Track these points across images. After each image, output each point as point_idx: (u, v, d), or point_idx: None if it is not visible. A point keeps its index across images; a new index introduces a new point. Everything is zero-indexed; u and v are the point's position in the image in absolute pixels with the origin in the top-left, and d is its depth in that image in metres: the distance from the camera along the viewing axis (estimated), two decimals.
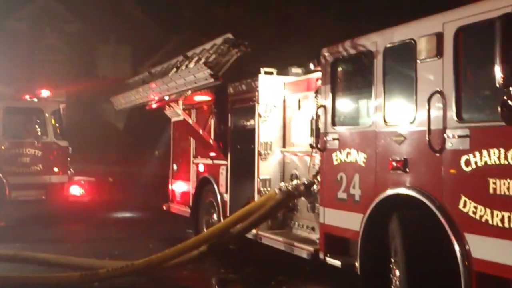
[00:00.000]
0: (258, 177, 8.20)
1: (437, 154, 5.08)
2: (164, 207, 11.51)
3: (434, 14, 5.29)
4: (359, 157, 6.10)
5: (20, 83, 27.64)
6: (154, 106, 9.92)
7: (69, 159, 14.42)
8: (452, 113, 4.98)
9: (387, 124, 5.73)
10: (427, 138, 5.16)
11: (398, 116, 5.65)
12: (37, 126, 13.87)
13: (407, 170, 5.44)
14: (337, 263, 6.32)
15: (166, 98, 9.28)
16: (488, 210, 4.59)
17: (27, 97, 14.55)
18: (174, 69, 8.89)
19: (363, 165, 6.04)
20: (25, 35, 29.64)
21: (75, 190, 14.21)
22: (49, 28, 29.56)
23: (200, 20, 20.52)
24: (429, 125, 5.15)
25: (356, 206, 6.09)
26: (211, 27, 18.71)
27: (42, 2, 29.62)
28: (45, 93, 14.46)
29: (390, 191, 5.63)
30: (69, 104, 27.20)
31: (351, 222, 6.10)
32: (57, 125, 14.40)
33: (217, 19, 18.76)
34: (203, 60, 7.71)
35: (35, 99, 14.36)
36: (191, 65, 8.18)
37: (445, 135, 5.01)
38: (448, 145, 4.99)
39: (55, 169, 14.01)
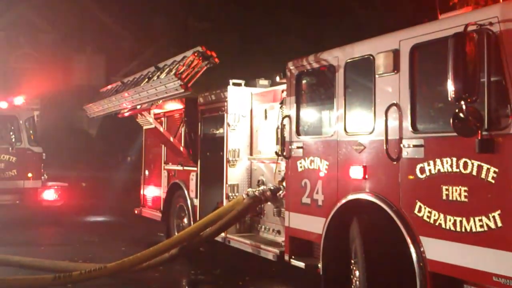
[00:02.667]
0: (226, 183, 8.20)
1: (394, 162, 5.16)
2: (136, 211, 11.40)
3: (391, 32, 5.39)
4: (322, 165, 6.15)
5: None
6: (126, 114, 9.80)
7: (43, 164, 14.12)
8: (407, 124, 5.07)
9: (348, 134, 5.80)
10: (384, 147, 5.23)
11: (358, 126, 5.71)
12: (11, 132, 13.54)
13: (367, 177, 5.51)
14: (301, 264, 6.35)
15: (138, 107, 9.18)
16: (442, 215, 4.68)
17: (1, 104, 14.19)
18: (146, 80, 8.81)
19: (326, 172, 6.09)
20: (0, 43, 28.97)
21: (49, 195, 13.90)
22: (23, 37, 28.94)
23: (173, 31, 20.43)
24: (387, 135, 5.23)
25: (319, 211, 6.13)
26: (183, 38, 18.66)
27: (17, 12, 28.98)
28: (19, 100, 14.13)
29: (350, 197, 5.69)
30: (43, 111, 26.76)
31: (315, 225, 6.14)
32: (31, 131, 14.10)
33: (190, 31, 18.71)
34: (173, 71, 7.66)
35: (9, 107, 14.01)
36: (162, 76, 8.12)
37: (401, 145, 5.10)
38: (404, 154, 5.08)
39: (29, 175, 13.70)
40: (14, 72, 29.26)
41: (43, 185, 13.89)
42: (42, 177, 14.01)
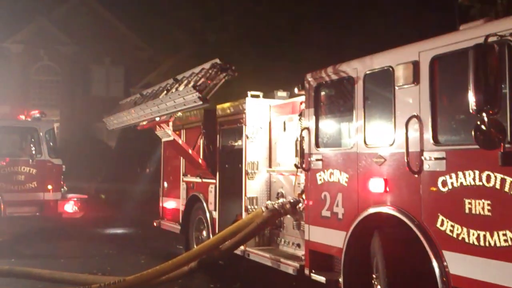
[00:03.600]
0: (245, 195, 8.22)
1: (416, 175, 5.14)
2: (155, 224, 11.45)
3: (411, 44, 5.39)
4: (342, 177, 6.14)
5: (15, 103, 27.56)
6: (145, 126, 9.91)
7: (62, 176, 14.32)
8: (428, 136, 5.05)
9: (368, 146, 5.79)
10: (405, 160, 5.22)
11: (378, 138, 5.71)
12: (31, 145, 13.76)
13: (387, 190, 5.49)
14: (321, 279, 6.32)
15: (157, 119, 9.29)
16: (465, 229, 4.64)
17: (22, 116, 14.48)
18: (165, 92, 8.91)
19: (346, 184, 6.08)
20: (21, 56, 29.57)
21: (68, 207, 14.08)
22: (43, 50, 29.49)
23: (192, 43, 20.62)
24: (407, 148, 5.21)
25: (339, 224, 6.12)
26: (202, 50, 18.81)
27: (38, 25, 29.57)
28: (39, 113, 14.40)
29: (371, 210, 5.67)
30: (63, 123, 27.20)
31: (335, 239, 6.12)
32: (51, 143, 14.32)
33: (208, 43, 18.87)
34: (192, 83, 7.74)
35: (30, 119, 14.29)
36: (181, 88, 8.20)
37: (422, 157, 5.08)
38: (426, 166, 5.06)
39: (49, 187, 13.90)
40: (34, 84, 29.84)
41: (63, 197, 14.08)
42: (62, 189, 14.21)
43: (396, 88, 5.41)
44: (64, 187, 14.33)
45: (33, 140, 13.77)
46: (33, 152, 13.62)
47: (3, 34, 29.17)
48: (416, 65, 5.20)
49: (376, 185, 5.62)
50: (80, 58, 29.79)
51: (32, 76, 29.92)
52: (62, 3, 30.72)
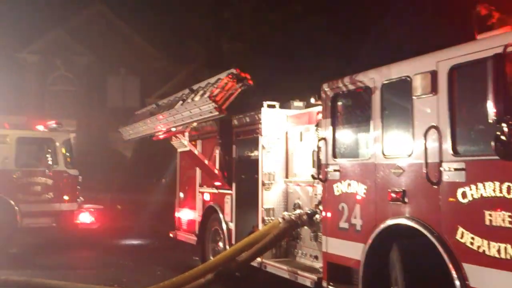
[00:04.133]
0: (262, 206, 8.24)
1: (435, 186, 5.12)
2: (171, 235, 11.50)
3: (428, 53, 5.39)
4: (360, 188, 6.14)
5: (32, 113, 27.92)
6: (161, 137, 9.99)
7: (79, 187, 14.42)
8: (447, 147, 5.04)
9: (386, 157, 5.79)
10: (424, 171, 5.21)
11: (396, 149, 5.70)
12: (48, 155, 13.86)
13: (406, 201, 5.48)
14: None
15: (173, 129, 9.36)
16: (485, 241, 4.61)
17: (38, 127, 14.67)
18: (181, 102, 8.98)
19: (364, 196, 6.07)
20: (37, 66, 29.99)
21: (85, 218, 14.17)
22: (60, 60, 29.88)
23: (207, 52, 20.78)
24: (426, 158, 5.21)
25: (357, 236, 6.11)
26: (217, 60, 18.94)
27: (54, 35, 29.99)
28: (56, 123, 14.56)
29: (390, 221, 5.65)
30: (79, 133, 27.49)
31: (353, 251, 6.11)
32: (68, 154, 14.43)
33: (223, 52, 19.00)
34: (208, 93, 7.80)
35: (46, 129, 14.46)
36: (197, 98, 8.27)
37: (441, 168, 5.07)
38: (445, 177, 5.04)
39: (65, 197, 14.01)
40: (50, 94, 30.22)
41: (79, 208, 14.16)
42: (78, 200, 14.29)
43: (414, 98, 5.41)
44: (80, 197, 14.44)
45: (49, 150, 13.88)
46: (50, 162, 13.73)
47: (20, 44, 29.65)
48: (434, 74, 5.20)
49: (394, 196, 5.60)
50: (96, 69, 30.13)
51: (49, 86, 30.31)
52: (78, 14, 31.14)
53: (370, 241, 5.85)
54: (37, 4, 28.85)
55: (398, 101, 5.75)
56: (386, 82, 5.85)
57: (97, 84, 30.28)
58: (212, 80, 8.22)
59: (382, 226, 5.72)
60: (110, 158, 24.79)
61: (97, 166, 21.58)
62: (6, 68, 29.04)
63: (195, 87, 8.86)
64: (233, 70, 7.64)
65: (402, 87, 5.58)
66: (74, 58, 29.91)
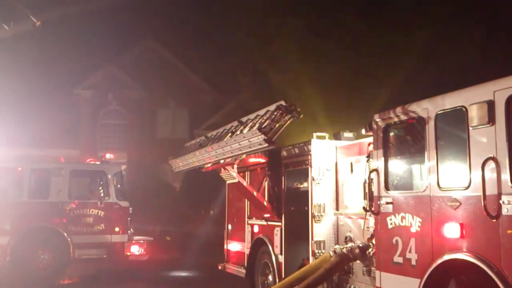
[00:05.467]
0: (312, 239, 8.13)
1: (493, 220, 4.95)
2: (220, 267, 11.46)
3: (484, 83, 5.27)
4: (414, 222, 5.98)
5: (85, 146, 28.81)
6: (210, 168, 10.07)
7: (129, 218, 14.65)
8: (506, 179, 4.87)
9: (442, 189, 5.64)
10: (482, 204, 5.04)
11: (453, 181, 5.55)
12: (100, 187, 14.18)
13: (464, 235, 5.30)
14: None
15: (222, 161, 9.43)
16: None
17: (90, 160, 15.08)
18: (230, 134, 9.06)
19: (419, 229, 5.91)
20: (90, 101, 31.03)
21: (135, 249, 14.32)
22: (112, 94, 30.84)
23: (255, 84, 21.00)
24: (484, 191, 5.04)
25: (412, 271, 5.93)
26: (265, 91, 19.10)
27: (106, 71, 31.06)
28: (107, 156, 14.94)
29: (447, 256, 5.48)
30: (130, 166, 28.09)
31: (408, 286, 5.93)
32: (119, 186, 14.71)
33: (271, 84, 19.16)
34: (257, 125, 7.84)
35: (98, 162, 14.84)
36: (246, 130, 8.32)
37: (500, 201, 4.90)
38: (504, 210, 4.86)
39: (116, 229, 14.20)
40: (102, 127, 31.14)
41: (130, 239, 14.33)
42: (129, 231, 14.51)
43: (470, 128, 5.28)
44: (131, 229, 14.64)
45: (101, 182, 14.21)
46: (102, 194, 14.04)
47: (75, 80, 30.86)
48: (491, 104, 5.07)
49: (452, 230, 5.44)
50: (147, 102, 30.94)
51: (101, 120, 31.25)
52: (129, 50, 32.23)
53: (426, 276, 5.68)
54: (91, 41, 30.06)
55: (454, 131, 5.63)
56: (440, 112, 5.75)
57: (147, 117, 31.03)
58: (261, 112, 8.27)
59: (439, 261, 5.54)
60: (159, 190, 25.12)
61: (146, 198, 21.88)
62: (63, 104, 30.26)
63: (244, 119, 8.93)
64: (282, 102, 7.66)
65: (458, 118, 5.47)
66: (126, 92, 30.84)
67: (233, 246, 11.10)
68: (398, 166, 6.62)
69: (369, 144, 7.23)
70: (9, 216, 13.27)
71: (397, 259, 6.18)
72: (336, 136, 8.54)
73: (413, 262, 5.95)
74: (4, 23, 15.45)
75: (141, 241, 14.52)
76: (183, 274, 15.06)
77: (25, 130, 27.08)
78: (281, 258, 8.88)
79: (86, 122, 30.70)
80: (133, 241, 14.38)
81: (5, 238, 13.02)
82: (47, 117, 28.77)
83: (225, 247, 11.47)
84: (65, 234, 13.57)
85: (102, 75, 30.99)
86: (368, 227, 7.21)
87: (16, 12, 15.68)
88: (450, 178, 5.59)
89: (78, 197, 14.32)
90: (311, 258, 8.08)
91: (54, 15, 16.58)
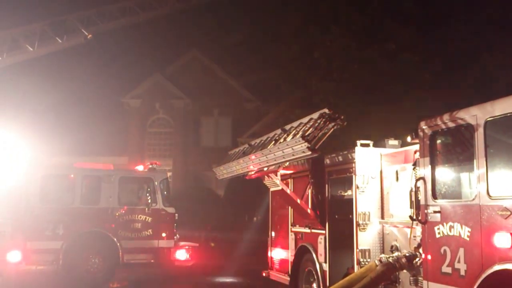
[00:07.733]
0: (357, 247, 7.94)
1: None
2: (264, 274, 11.37)
3: None
4: (463, 231, 5.74)
5: (133, 154, 29.34)
6: (253, 176, 10.01)
7: (175, 224, 14.74)
8: None
9: (492, 198, 5.39)
10: None
11: (503, 189, 5.31)
12: (147, 194, 14.34)
13: None
14: None
15: (265, 169, 9.35)
16: None
17: (138, 167, 15.27)
18: (273, 142, 8.98)
19: (468, 239, 5.67)
20: (138, 110, 31.62)
21: (181, 255, 14.38)
22: (158, 103, 31.33)
23: (297, 92, 20.88)
24: None
25: (461, 281, 5.69)
26: (308, 99, 18.95)
27: (153, 81, 31.62)
28: (154, 163, 15.10)
29: (497, 267, 5.24)
30: (175, 173, 28.42)
31: None
32: (165, 192, 14.84)
33: (314, 91, 19.00)
34: (300, 133, 7.74)
35: (146, 169, 15.01)
36: (289, 138, 8.23)
37: None
38: None
39: (163, 234, 14.31)
40: (149, 136, 31.69)
41: (176, 245, 14.42)
42: (175, 237, 14.60)
43: None
44: (177, 235, 14.73)
45: (149, 189, 14.36)
46: (149, 201, 14.21)
47: (124, 90, 31.56)
48: None
49: (502, 240, 5.20)
50: (191, 111, 31.30)
51: (148, 129, 31.80)
52: (176, 60, 32.75)
53: (475, 287, 5.43)
54: (139, 52, 30.71)
55: (504, 138, 5.40)
56: (490, 119, 5.51)
57: (191, 125, 31.40)
58: (305, 120, 8.16)
59: (489, 271, 5.30)
60: (204, 196, 25.25)
61: (191, 204, 22.02)
62: (112, 113, 30.98)
63: (287, 127, 8.84)
64: (326, 110, 7.54)
65: (509, 124, 5.23)
66: (172, 101, 31.30)
67: (277, 253, 10.99)
68: (445, 174, 6.38)
69: (415, 152, 7.02)
70: (62, 222, 13.53)
71: (446, 269, 5.94)
72: (381, 144, 8.33)
73: (462, 273, 5.70)
74: (58, 36, 15.92)
75: (187, 247, 14.57)
76: (227, 280, 15.02)
77: (77, 139, 27.81)
78: (326, 266, 8.71)
79: (134, 130, 31.28)
80: (179, 247, 14.46)
81: (58, 243, 13.29)
82: (97, 125, 29.49)
83: (269, 254, 11.37)
84: (115, 239, 13.75)
85: (149, 84, 31.54)
86: (414, 236, 6.99)
87: (69, 26, 16.13)
88: (500, 187, 5.35)
89: (127, 203, 14.52)
90: (356, 266, 7.89)
91: (104, 28, 16.97)
